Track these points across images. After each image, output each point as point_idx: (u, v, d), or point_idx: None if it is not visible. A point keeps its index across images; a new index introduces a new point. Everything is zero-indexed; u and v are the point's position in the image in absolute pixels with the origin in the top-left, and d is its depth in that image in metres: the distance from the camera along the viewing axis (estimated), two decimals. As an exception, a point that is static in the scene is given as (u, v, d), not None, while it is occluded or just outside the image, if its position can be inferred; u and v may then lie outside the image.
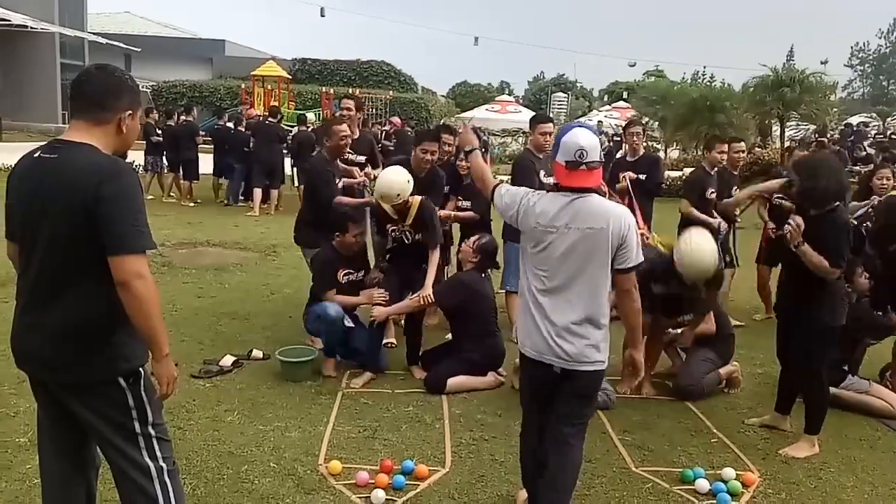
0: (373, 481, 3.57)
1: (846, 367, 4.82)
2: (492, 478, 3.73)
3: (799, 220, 4.00)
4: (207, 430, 4.13)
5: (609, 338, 3.08)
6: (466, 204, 6.06)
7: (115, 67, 2.46)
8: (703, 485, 3.67)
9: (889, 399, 4.79)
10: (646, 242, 4.85)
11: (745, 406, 4.84)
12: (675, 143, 22.98)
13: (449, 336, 5.39)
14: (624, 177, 6.56)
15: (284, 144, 13.53)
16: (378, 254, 5.49)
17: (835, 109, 21.56)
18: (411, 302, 5.09)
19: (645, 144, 7.70)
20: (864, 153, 17.13)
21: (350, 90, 25.98)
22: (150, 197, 13.55)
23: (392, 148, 12.76)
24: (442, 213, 5.63)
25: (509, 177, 5.95)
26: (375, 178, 5.59)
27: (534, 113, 11.61)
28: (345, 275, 5.20)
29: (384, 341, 5.38)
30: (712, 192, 6.36)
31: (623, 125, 9.67)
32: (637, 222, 3.63)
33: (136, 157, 15.17)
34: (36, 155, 2.34)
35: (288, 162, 14.21)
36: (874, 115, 33.42)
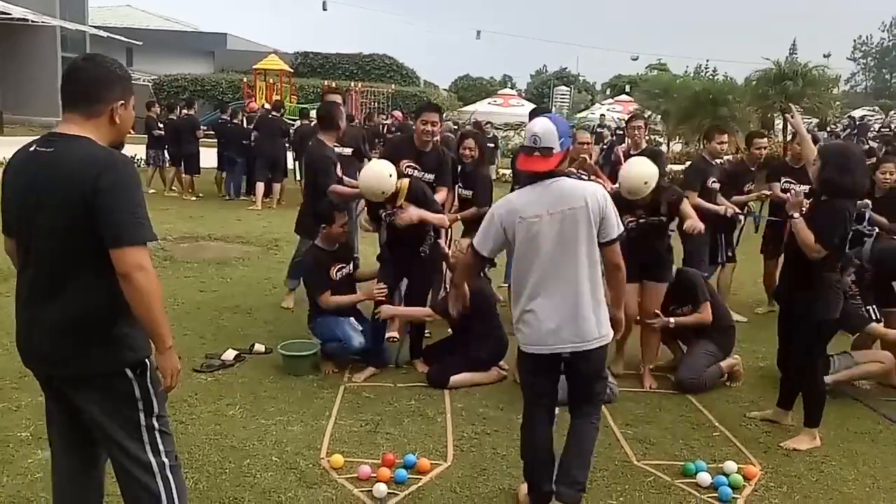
0: (375, 475, 3.58)
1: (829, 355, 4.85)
2: (494, 471, 3.74)
3: (800, 191, 4.07)
4: (209, 424, 4.13)
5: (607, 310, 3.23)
6: (468, 193, 6.01)
7: (105, 57, 2.43)
8: (704, 478, 3.67)
9: (878, 356, 4.93)
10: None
11: (746, 399, 4.84)
12: (677, 137, 22.92)
13: (450, 329, 5.38)
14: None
15: (287, 138, 13.53)
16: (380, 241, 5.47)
17: (837, 103, 21.53)
18: (418, 312, 5.04)
19: (648, 138, 7.68)
20: (867, 146, 17.07)
21: (352, 84, 25.99)
22: (152, 191, 13.57)
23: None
24: (447, 217, 5.47)
25: (509, 169, 5.95)
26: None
27: (535, 106, 11.56)
28: (337, 270, 5.17)
29: (387, 335, 5.36)
30: (714, 182, 6.34)
31: (625, 119, 9.64)
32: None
33: (138, 150, 15.22)
34: (31, 149, 2.32)
35: (290, 156, 14.21)
36: (877, 108, 33.35)
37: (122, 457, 2.43)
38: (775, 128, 19.39)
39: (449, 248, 5.30)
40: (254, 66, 25.69)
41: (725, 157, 6.77)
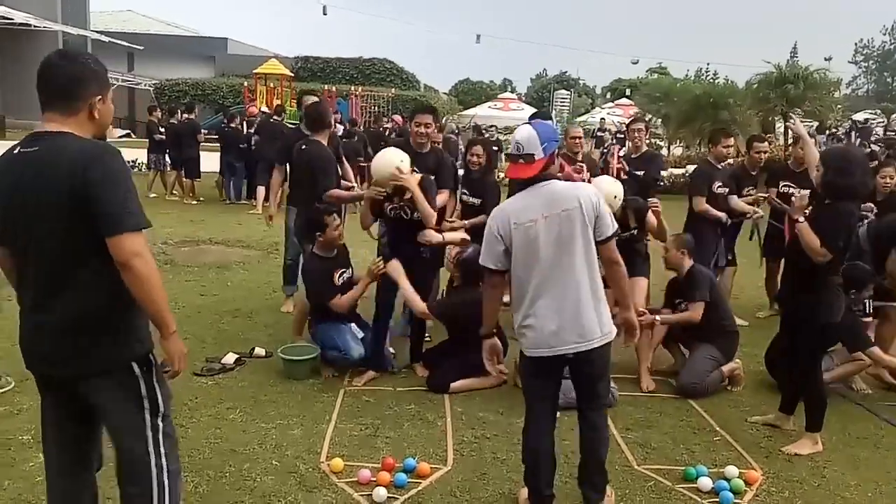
0: (374, 479, 3.57)
1: None
2: (494, 476, 3.73)
3: (805, 195, 4.12)
4: (210, 428, 4.13)
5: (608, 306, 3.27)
6: (476, 200, 5.92)
7: (78, 53, 2.41)
8: (705, 483, 3.65)
9: (856, 355, 4.95)
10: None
11: (748, 404, 4.83)
12: (678, 141, 22.94)
13: (449, 333, 5.36)
14: (618, 163, 6.53)
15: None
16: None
17: (839, 106, 21.54)
18: (417, 302, 4.91)
19: (648, 141, 7.68)
20: (869, 150, 17.08)
21: (352, 88, 26.00)
22: (154, 195, 13.61)
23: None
24: (453, 229, 5.41)
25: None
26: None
27: (535, 110, 11.57)
28: (339, 276, 5.15)
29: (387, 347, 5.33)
30: (720, 187, 6.33)
31: (626, 122, 9.64)
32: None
33: (139, 154, 15.25)
34: (16, 151, 2.29)
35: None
36: (879, 111, 33.34)
37: (124, 454, 2.44)
38: (776, 131, 19.41)
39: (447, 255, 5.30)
40: (254, 71, 25.70)
41: (727, 162, 6.74)
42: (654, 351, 5.30)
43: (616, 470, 3.82)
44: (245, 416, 4.32)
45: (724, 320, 5.18)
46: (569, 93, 43.14)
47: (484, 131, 20.54)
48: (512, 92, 48.65)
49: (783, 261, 4.53)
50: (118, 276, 2.23)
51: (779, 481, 3.80)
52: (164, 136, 13.58)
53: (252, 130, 13.56)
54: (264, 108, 17.56)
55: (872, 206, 5.70)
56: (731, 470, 3.78)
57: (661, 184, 6.85)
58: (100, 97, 2.35)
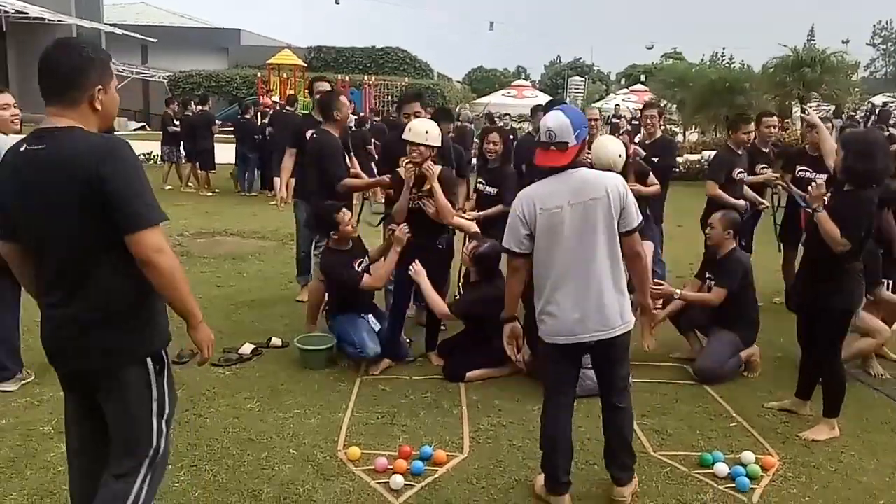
0: (391, 467, 3.60)
1: None
2: (510, 463, 3.75)
3: (821, 183, 4.05)
4: (228, 418, 4.17)
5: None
6: (492, 190, 5.79)
7: (76, 43, 2.33)
8: (722, 469, 3.66)
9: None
10: None
11: (764, 389, 4.81)
12: (693, 126, 22.77)
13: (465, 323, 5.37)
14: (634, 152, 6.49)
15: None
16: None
17: (857, 89, 21.28)
18: (437, 304, 4.92)
19: (663, 127, 7.61)
20: (888, 133, 16.85)
21: (365, 77, 25.98)
22: (169, 187, 13.71)
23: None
24: (465, 218, 5.33)
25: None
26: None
27: (549, 98, 11.50)
28: (359, 265, 5.17)
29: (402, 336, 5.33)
30: (740, 173, 6.29)
31: (640, 108, 9.56)
32: None
33: (154, 147, 15.33)
34: (22, 148, 2.24)
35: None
36: (897, 94, 32.85)
37: (120, 448, 2.41)
38: (793, 116, 19.21)
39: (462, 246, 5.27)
40: (267, 62, 25.72)
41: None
42: (662, 322, 5.19)
43: (632, 456, 3.83)
44: (262, 406, 4.36)
45: (750, 309, 5.13)
46: (583, 79, 42.92)
47: (497, 119, 20.46)
48: (526, 79, 48.39)
49: (803, 250, 4.44)
50: (135, 270, 2.23)
51: (795, 467, 3.79)
52: (178, 129, 13.65)
53: (266, 121, 13.60)
54: (275, 99, 17.58)
55: None
56: (748, 456, 3.77)
57: (677, 170, 6.81)
58: (100, 87, 2.29)
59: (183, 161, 14.04)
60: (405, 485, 3.47)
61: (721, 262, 5.13)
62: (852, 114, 21.97)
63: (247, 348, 5.21)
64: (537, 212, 3.14)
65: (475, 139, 12.82)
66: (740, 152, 6.39)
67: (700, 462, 3.76)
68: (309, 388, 4.66)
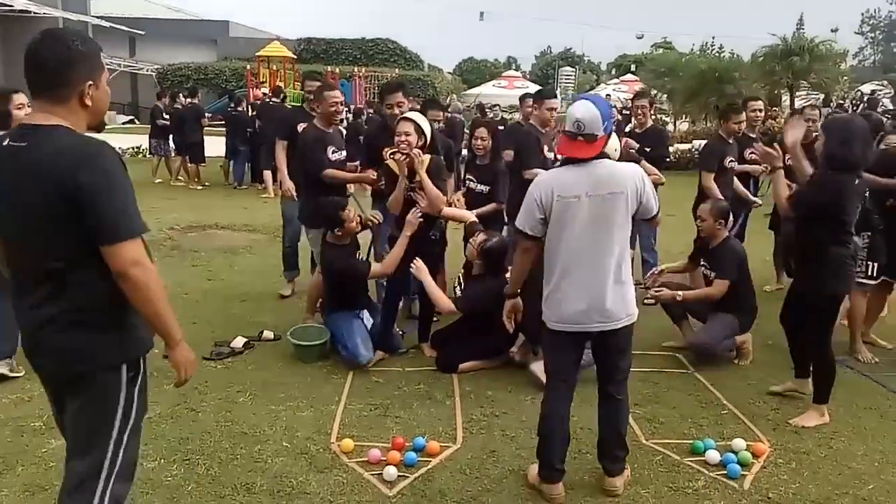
0: (385, 458, 3.61)
1: None
2: (503, 453, 3.76)
3: (778, 149, 4.32)
4: (220, 412, 4.17)
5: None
6: (483, 188, 5.68)
7: (64, 34, 2.17)
8: (713, 456, 3.68)
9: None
10: None
11: (754, 377, 4.84)
12: (684, 116, 22.81)
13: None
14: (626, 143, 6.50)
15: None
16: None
17: (845, 78, 21.37)
18: (442, 300, 4.88)
19: (654, 117, 7.62)
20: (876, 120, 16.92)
21: (355, 69, 25.90)
22: (159, 180, 13.64)
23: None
24: (458, 212, 5.25)
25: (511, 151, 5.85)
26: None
27: (539, 87, 11.46)
28: (358, 258, 5.17)
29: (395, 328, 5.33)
30: (731, 161, 6.31)
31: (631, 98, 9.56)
32: None
33: (143, 141, 15.25)
34: (4, 143, 2.13)
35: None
36: (886, 82, 32.97)
37: (74, 468, 2.28)
38: (782, 104, 19.28)
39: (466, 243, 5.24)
40: (257, 54, 25.58)
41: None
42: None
43: (624, 445, 3.85)
44: (255, 399, 4.36)
45: (748, 296, 5.17)
46: (574, 69, 42.97)
47: (488, 110, 20.41)
48: (516, 70, 48.37)
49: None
50: (110, 278, 2.11)
51: (786, 453, 3.82)
52: (167, 122, 13.57)
53: (255, 114, 13.53)
54: (265, 91, 17.49)
55: None
56: (739, 443, 3.81)
57: (669, 159, 6.83)
58: (91, 82, 2.16)
59: (172, 154, 13.97)
60: (399, 476, 3.47)
61: (715, 252, 5.16)
62: (841, 102, 22.07)
63: (239, 341, 5.20)
64: (554, 199, 3.13)
65: (465, 130, 12.78)
66: (731, 141, 6.40)
67: (692, 450, 3.79)
68: (302, 380, 4.65)
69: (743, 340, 5.10)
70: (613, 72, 53.05)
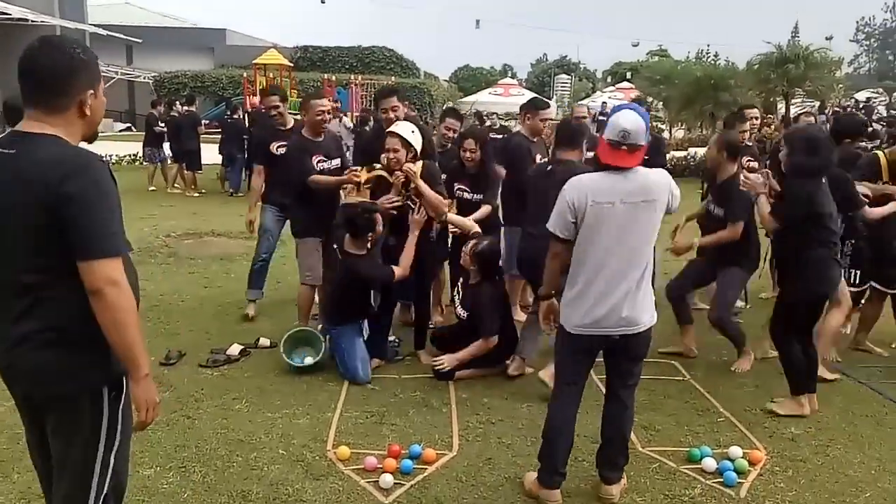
0: (381, 466, 3.60)
1: None
2: (499, 460, 3.75)
3: (767, 172, 4.47)
4: (216, 419, 4.16)
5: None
6: (477, 197, 5.50)
7: (63, 42, 2.10)
8: (710, 464, 3.68)
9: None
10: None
11: (751, 385, 4.84)
12: (679, 123, 22.89)
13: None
14: None
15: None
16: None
17: (840, 85, 21.47)
18: (475, 350, 4.78)
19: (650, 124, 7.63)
20: (871, 129, 16.98)
21: (351, 77, 25.92)
22: (153, 188, 13.62)
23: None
24: (462, 220, 5.20)
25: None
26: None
27: (534, 95, 11.44)
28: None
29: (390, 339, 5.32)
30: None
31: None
32: None
33: (139, 149, 15.25)
34: None
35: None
36: (881, 90, 33.15)
37: (62, 482, 2.22)
38: (777, 112, 19.35)
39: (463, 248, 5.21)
40: (253, 61, 25.61)
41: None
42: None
43: (620, 452, 3.85)
44: (251, 407, 4.35)
45: (753, 238, 5.03)
46: (570, 77, 43.10)
47: (485, 118, 20.48)
48: (512, 77, 48.41)
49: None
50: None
51: (782, 461, 3.82)
52: (164, 129, 13.57)
53: (251, 121, 13.55)
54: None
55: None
56: (735, 450, 3.80)
57: (665, 167, 6.82)
58: (91, 91, 2.09)
59: (168, 162, 13.97)
60: (395, 483, 3.47)
61: (723, 187, 5.03)
62: (837, 109, 22.16)
63: (234, 349, 5.19)
64: (588, 203, 3.11)
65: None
66: None
67: (688, 457, 3.78)
68: (298, 388, 4.65)
69: (750, 358, 5.12)
70: (609, 79, 53.24)
